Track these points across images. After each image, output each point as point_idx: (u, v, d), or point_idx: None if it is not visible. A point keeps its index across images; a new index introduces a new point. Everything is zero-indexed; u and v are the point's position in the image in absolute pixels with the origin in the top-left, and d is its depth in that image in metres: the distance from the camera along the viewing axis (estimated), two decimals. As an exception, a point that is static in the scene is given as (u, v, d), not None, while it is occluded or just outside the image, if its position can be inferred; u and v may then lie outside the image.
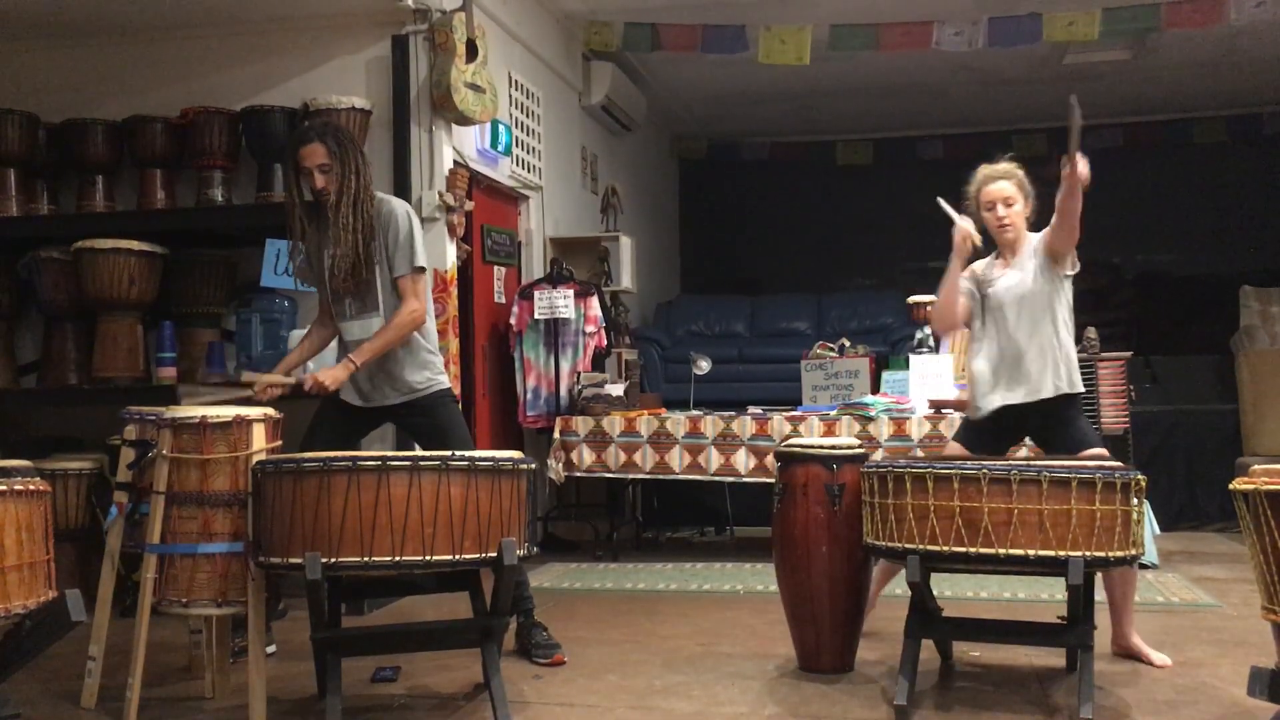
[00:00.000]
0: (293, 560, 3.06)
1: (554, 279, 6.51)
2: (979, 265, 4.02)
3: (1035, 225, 3.94)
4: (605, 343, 6.67)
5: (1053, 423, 3.86)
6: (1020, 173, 3.93)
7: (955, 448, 3.98)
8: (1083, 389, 3.90)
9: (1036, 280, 3.82)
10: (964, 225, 3.87)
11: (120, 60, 5.67)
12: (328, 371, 3.77)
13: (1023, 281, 3.83)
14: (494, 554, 3.12)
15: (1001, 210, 3.87)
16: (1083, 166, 3.58)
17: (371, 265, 3.79)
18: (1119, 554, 3.19)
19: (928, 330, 6.23)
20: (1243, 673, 2.92)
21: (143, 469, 3.48)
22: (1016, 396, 3.83)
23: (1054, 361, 3.80)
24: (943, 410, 5.72)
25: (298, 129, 4.09)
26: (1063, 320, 3.85)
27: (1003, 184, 3.89)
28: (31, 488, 2.75)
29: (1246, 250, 10.07)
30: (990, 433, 3.92)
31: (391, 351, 3.82)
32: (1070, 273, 3.85)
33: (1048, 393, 3.80)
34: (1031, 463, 3.36)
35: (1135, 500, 3.22)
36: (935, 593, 3.58)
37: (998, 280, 3.90)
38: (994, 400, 3.87)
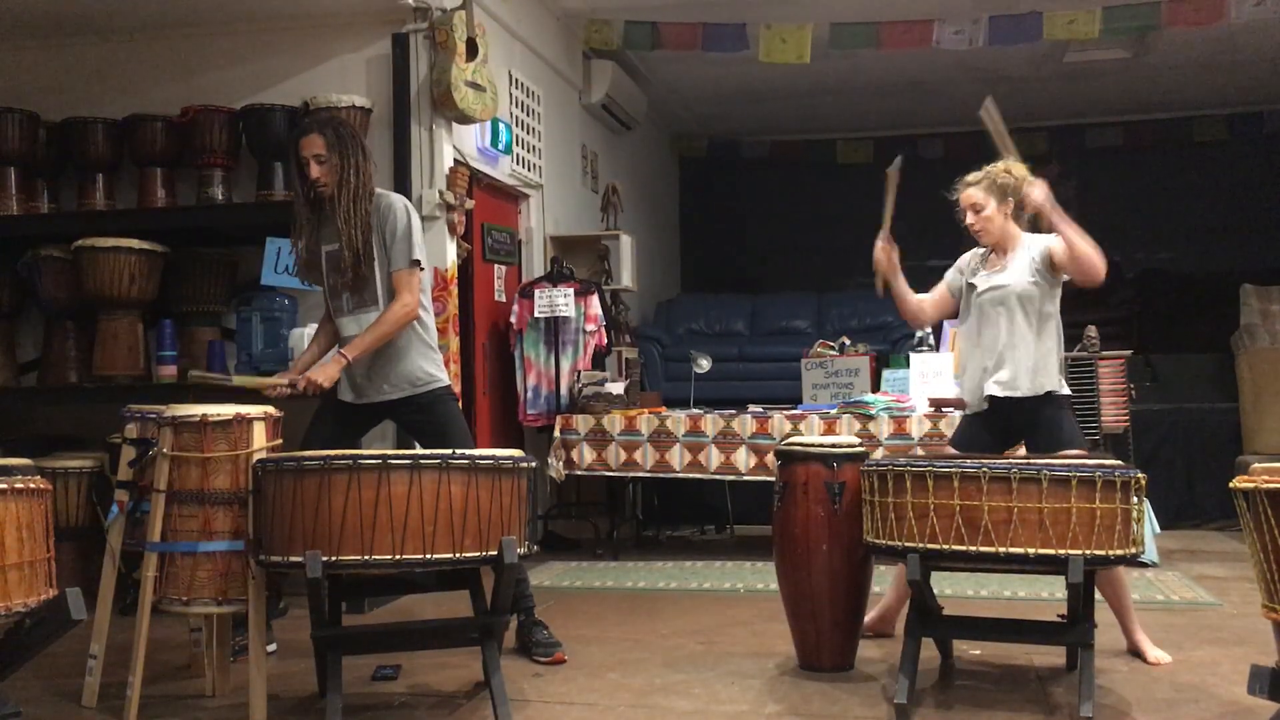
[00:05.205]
0: (293, 558, 3.06)
1: (554, 277, 6.51)
2: (965, 259, 4.04)
3: (1034, 224, 3.94)
4: (605, 341, 6.67)
5: (1035, 421, 3.85)
6: (997, 174, 3.89)
7: (949, 450, 3.98)
8: (1065, 389, 3.87)
9: (1024, 281, 3.80)
10: (881, 242, 4.01)
11: (120, 59, 5.67)
12: (320, 370, 3.76)
13: (1008, 282, 3.83)
14: (494, 552, 3.12)
15: (970, 217, 3.89)
16: (1036, 192, 3.67)
17: (370, 261, 3.78)
18: (1119, 552, 3.20)
19: (928, 329, 6.23)
20: (1243, 671, 2.92)
21: (143, 467, 3.48)
22: (997, 390, 3.83)
23: (1034, 362, 3.79)
24: (943, 409, 5.72)
25: (301, 122, 4.09)
26: (1049, 320, 3.84)
27: (971, 190, 3.90)
28: (32, 486, 2.76)
29: (1247, 248, 10.07)
30: (985, 433, 3.93)
31: (390, 346, 3.80)
32: (1066, 277, 3.86)
33: (1024, 391, 3.80)
34: (1031, 461, 3.36)
35: (1135, 498, 3.22)
36: (935, 591, 3.58)
37: (982, 278, 3.91)
38: (978, 395, 3.90)
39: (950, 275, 4.07)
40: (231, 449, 3.35)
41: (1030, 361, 3.79)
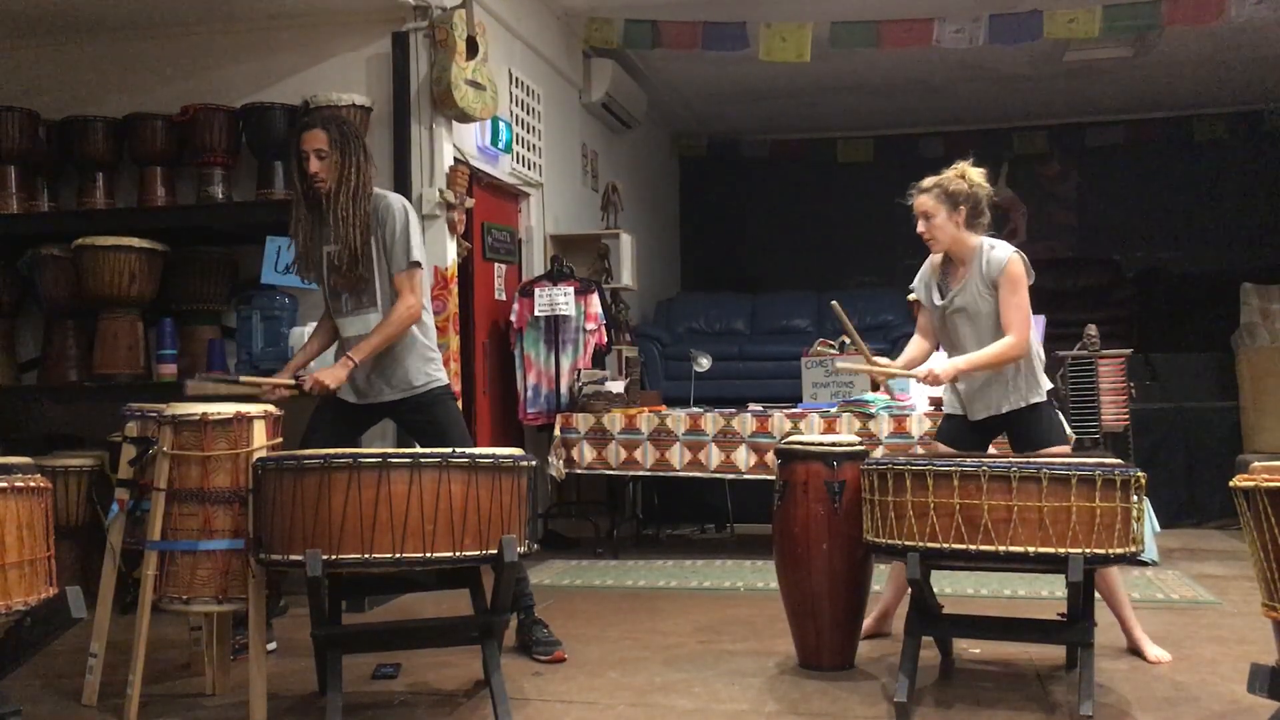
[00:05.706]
0: (293, 557, 3.06)
1: (554, 276, 6.51)
2: (925, 272, 3.97)
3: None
4: (606, 340, 6.67)
5: (1017, 423, 3.85)
6: (949, 181, 3.81)
7: (940, 447, 3.97)
8: (1043, 393, 3.83)
9: (983, 302, 3.77)
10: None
11: (121, 57, 5.67)
12: (327, 371, 3.76)
13: (969, 305, 3.80)
14: (494, 551, 3.12)
15: (921, 225, 3.83)
16: (936, 374, 3.71)
17: (369, 261, 3.79)
18: (1119, 551, 3.20)
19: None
20: (1242, 669, 2.92)
21: (144, 466, 3.48)
22: (981, 413, 3.86)
23: (1007, 378, 3.78)
24: (943, 408, 5.72)
25: (302, 119, 4.10)
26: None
27: (923, 198, 3.82)
28: (32, 485, 2.76)
29: (1247, 247, 10.07)
30: (969, 432, 3.93)
31: (390, 348, 3.81)
32: None
33: (1004, 409, 3.81)
34: (1031, 460, 3.36)
35: (1135, 497, 3.22)
36: (935, 590, 3.58)
37: (948, 292, 3.87)
38: (956, 401, 3.95)
39: (920, 294, 4.00)
40: (232, 447, 3.35)
41: (1004, 379, 3.78)
